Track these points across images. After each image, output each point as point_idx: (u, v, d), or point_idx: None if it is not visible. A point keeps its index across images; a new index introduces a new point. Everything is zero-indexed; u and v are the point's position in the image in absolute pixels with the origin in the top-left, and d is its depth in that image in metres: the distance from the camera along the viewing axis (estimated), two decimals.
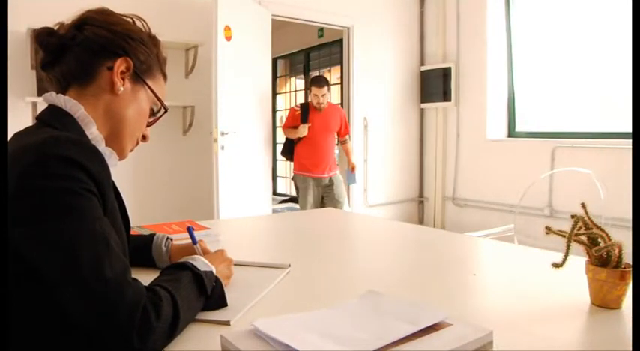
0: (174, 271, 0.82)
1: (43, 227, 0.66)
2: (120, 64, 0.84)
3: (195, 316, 0.79)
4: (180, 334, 0.75)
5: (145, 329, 0.66)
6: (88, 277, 0.65)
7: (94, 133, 0.82)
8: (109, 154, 0.83)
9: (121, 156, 0.89)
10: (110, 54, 0.84)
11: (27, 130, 0.80)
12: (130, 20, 0.91)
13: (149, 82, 0.90)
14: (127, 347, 0.64)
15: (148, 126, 0.94)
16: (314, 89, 3.91)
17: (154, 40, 0.92)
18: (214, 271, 0.87)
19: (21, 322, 0.68)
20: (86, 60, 0.84)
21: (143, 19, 0.93)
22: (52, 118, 0.80)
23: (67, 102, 0.81)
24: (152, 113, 0.93)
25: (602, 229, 0.83)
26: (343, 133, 4.17)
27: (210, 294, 0.82)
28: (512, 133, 4.53)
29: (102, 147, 0.82)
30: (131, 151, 0.92)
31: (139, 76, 0.88)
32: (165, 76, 0.95)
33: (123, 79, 0.85)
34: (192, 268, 0.82)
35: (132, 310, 0.65)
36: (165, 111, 0.95)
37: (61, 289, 0.65)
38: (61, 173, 0.68)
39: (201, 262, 0.86)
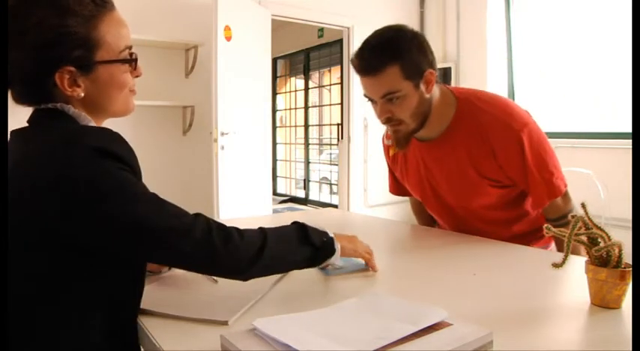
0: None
1: (104, 208, 0.71)
2: (61, 79, 0.77)
3: (293, 256, 0.88)
4: (179, 334, 0.75)
5: (228, 240, 0.78)
6: (162, 227, 0.74)
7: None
8: None
9: (129, 112, 0.90)
10: (45, 74, 0.76)
11: (27, 130, 0.81)
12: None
13: (102, 54, 0.79)
14: (217, 256, 0.77)
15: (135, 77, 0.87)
16: (362, 82, 1.30)
17: (63, 5, 0.75)
18: (330, 234, 0.94)
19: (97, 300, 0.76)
20: (30, 85, 0.78)
21: None
22: (50, 117, 0.80)
23: (55, 104, 0.80)
24: (131, 65, 0.84)
25: (602, 229, 0.83)
26: (535, 198, 1.34)
27: (319, 246, 0.90)
28: None
29: None
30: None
31: (90, 67, 0.79)
32: (107, 5, 0.80)
33: (75, 81, 0.78)
34: (298, 223, 0.92)
35: (205, 226, 0.77)
36: (136, 60, 0.84)
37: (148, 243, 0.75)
38: (96, 161, 0.72)
39: (317, 226, 0.94)
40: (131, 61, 0.84)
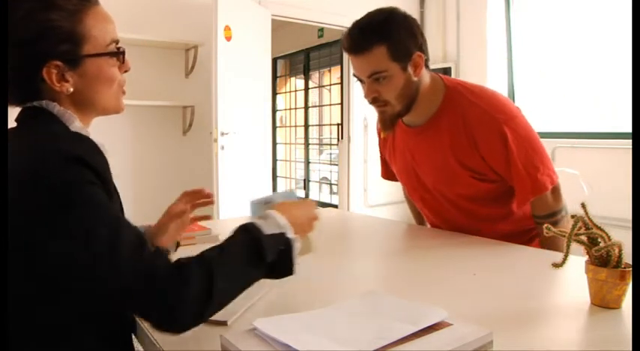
0: (233, 234, 0.78)
1: (59, 219, 0.67)
2: (49, 74, 0.77)
3: (245, 284, 0.75)
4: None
5: (173, 297, 0.66)
6: (103, 260, 0.66)
7: (77, 126, 0.81)
8: (101, 144, 0.81)
9: (119, 111, 0.87)
10: (33, 70, 0.76)
11: (12, 131, 0.80)
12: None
13: (88, 48, 0.79)
14: (161, 311, 0.67)
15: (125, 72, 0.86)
16: (351, 61, 1.34)
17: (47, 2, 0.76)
18: (288, 234, 0.80)
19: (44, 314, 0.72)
20: (18, 82, 0.78)
21: None
22: (35, 118, 0.80)
23: (41, 101, 0.79)
24: (118, 59, 0.84)
25: (602, 229, 0.83)
26: (519, 193, 1.32)
27: (272, 260, 0.77)
28: None
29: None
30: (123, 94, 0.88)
31: (77, 61, 0.78)
32: (91, 0, 0.80)
33: (63, 75, 0.78)
34: (252, 232, 0.77)
35: (147, 280, 0.66)
36: (124, 53, 0.84)
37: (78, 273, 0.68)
38: (64, 169, 0.69)
39: (272, 223, 0.80)
40: (118, 54, 0.83)
